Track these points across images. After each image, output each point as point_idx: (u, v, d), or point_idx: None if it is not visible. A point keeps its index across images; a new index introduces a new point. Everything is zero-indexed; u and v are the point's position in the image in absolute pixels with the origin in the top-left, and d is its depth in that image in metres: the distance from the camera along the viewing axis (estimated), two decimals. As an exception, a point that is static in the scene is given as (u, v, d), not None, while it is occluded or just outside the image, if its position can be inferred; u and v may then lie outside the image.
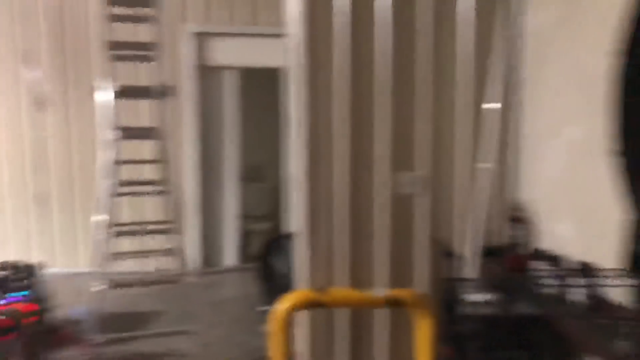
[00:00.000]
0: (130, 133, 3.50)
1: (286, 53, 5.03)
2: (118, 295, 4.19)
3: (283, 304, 2.83)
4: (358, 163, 2.91)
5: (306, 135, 2.91)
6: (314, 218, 2.98)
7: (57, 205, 5.28)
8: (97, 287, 3.12)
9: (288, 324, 2.80)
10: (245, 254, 5.82)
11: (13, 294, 3.17)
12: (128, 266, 5.03)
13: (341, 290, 2.88)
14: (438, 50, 2.79)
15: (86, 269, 5.30)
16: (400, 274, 2.95)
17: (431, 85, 2.81)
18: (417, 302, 2.70)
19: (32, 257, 5.31)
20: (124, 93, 3.32)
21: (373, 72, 2.84)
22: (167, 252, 5.32)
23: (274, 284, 4.18)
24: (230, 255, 5.63)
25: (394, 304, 2.71)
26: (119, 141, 3.29)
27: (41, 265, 3.89)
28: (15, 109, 5.13)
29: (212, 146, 5.42)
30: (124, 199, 4.75)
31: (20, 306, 2.98)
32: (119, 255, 4.07)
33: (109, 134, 3.21)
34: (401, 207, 2.91)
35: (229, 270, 5.51)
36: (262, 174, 6.72)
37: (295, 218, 3.44)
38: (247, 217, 6.01)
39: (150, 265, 5.34)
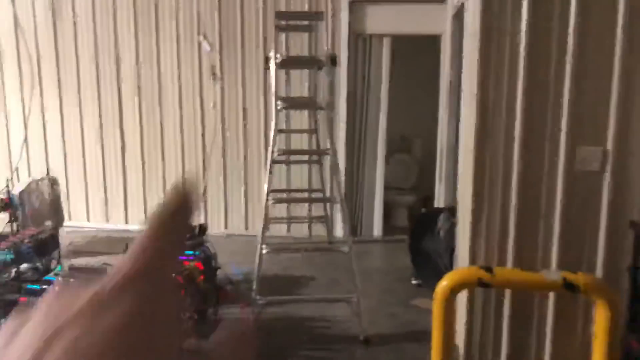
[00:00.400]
0: (293, 103, 3.57)
1: (446, 19, 4.83)
2: (273, 259, 4.37)
3: (447, 281, 2.74)
4: (532, 136, 2.70)
5: (477, 106, 2.75)
6: (480, 193, 2.84)
7: (214, 172, 5.61)
8: (262, 250, 3.25)
9: (452, 302, 2.71)
10: (389, 225, 5.79)
11: (186, 252, 3.40)
12: (279, 230, 5.26)
13: (510, 271, 2.72)
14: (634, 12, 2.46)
15: (237, 232, 5.63)
16: (574, 258, 2.72)
17: (624, 50, 2.50)
18: (598, 289, 2.46)
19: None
20: (288, 63, 3.37)
21: (553, 37, 2.58)
22: (318, 220, 5.47)
23: (425, 258, 4.09)
24: (374, 226, 5.63)
25: (571, 289, 2.50)
26: (282, 111, 3.35)
27: (206, 227, 4.16)
28: (193, 80, 5.50)
29: (361, 115, 5.39)
30: (283, 166, 4.94)
31: (193, 264, 3.20)
32: (275, 220, 4.23)
33: (274, 104, 3.29)
34: (581, 184, 2.66)
35: (373, 241, 5.52)
36: (408, 145, 6.60)
37: (460, 192, 3.30)
38: (391, 188, 5.95)
39: (301, 231, 5.54)
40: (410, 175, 6.46)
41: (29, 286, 2.77)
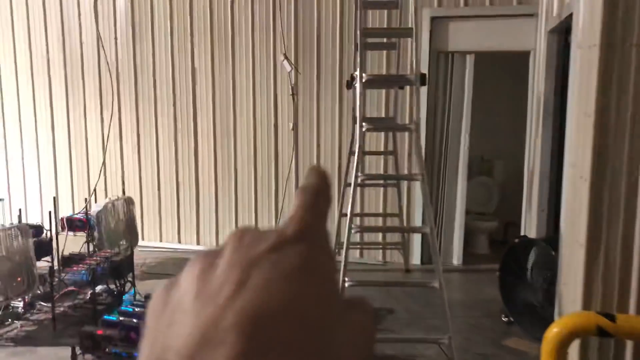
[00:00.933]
0: (378, 124, 3.35)
1: (538, 34, 4.49)
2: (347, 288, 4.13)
3: (559, 327, 2.41)
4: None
5: (594, 128, 2.43)
6: (597, 226, 2.50)
7: (288, 194, 5.44)
8: (345, 283, 3.02)
9: (564, 351, 2.38)
10: (468, 252, 5.42)
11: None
12: (351, 255, 5.00)
13: (638, 319, 2.36)
14: None
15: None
16: None
17: None
18: None
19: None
20: (375, 82, 3.16)
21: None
22: (394, 246, 5.20)
23: (517, 294, 3.73)
24: (453, 253, 5.28)
25: None
26: (364, 132, 3.13)
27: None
28: (267, 102, 5.40)
29: (441, 136, 5.11)
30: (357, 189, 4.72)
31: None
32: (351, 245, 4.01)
33: (359, 126, 3.07)
34: None
35: (453, 270, 5.16)
36: (489, 167, 6.22)
37: (566, 223, 2.96)
38: (470, 213, 5.59)
39: (374, 256, 5.27)
40: (491, 200, 6.07)
41: (106, 317, 2.67)
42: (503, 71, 6.04)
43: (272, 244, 0.26)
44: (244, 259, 0.25)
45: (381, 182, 4.97)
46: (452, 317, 3.75)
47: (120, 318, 2.61)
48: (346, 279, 3.06)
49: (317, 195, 0.29)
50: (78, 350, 2.57)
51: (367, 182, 4.65)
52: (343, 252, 3.13)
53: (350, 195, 3.11)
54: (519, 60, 5.43)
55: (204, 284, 0.25)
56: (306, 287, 0.25)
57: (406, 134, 4.98)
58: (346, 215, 4.84)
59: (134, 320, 2.59)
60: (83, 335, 2.49)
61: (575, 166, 2.82)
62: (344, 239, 3.19)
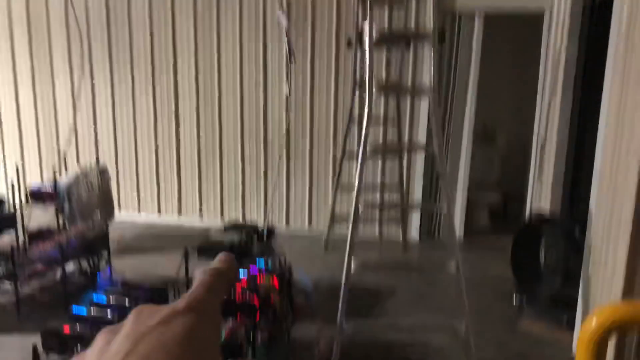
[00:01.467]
0: (391, 87, 2.98)
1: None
2: (342, 265, 3.80)
3: (598, 319, 2.11)
4: None
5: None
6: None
7: (276, 163, 5.04)
8: (352, 265, 2.67)
9: (603, 346, 2.09)
10: (467, 226, 5.13)
11: (258, 263, 2.87)
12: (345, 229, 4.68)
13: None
14: None
15: (300, 229, 5.09)
16: None
17: None
18: None
19: (247, 214, 5.22)
20: (387, 39, 2.76)
21: None
22: (393, 219, 4.88)
23: (532, 275, 3.45)
24: (455, 226, 4.97)
25: None
26: (374, 96, 2.73)
27: (274, 230, 3.63)
28: (256, 63, 4.93)
29: (445, 103, 4.72)
30: (353, 160, 4.35)
31: (269, 281, 2.66)
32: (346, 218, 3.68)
33: (368, 89, 2.68)
34: None
35: (452, 245, 4.86)
36: (491, 137, 5.88)
37: (599, 202, 2.64)
38: (470, 184, 5.28)
39: (370, 230, 4.94)
40: (492, 171, 5.76)
41: (74, 308, 2.28)
42: (503, 35, 5.65)
43: (163, 317, 0.30)
44: (137, 332, 0.29)
45: (381, 152, 4.62)
46: (461, 299, 3.45)
47: (92, 309, 2.23)
48: (352, 260, 2.71)
49: (216, 276, 0.34)
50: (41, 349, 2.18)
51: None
52: (348, 230, 2.76)
53: (358, 169, 2.73)
54: (522, 24, 5.05)
55: (102, 355, 0.29)
56: (184, 354, 0.28)
57: (407, 100, 4.61)
58: (341, 188, 4.53)
59: (108, 313, 2.20)
60: (47, 334, 2.10)
61: (614, 138, 2.49)
62: (349, 215, 2.83)
